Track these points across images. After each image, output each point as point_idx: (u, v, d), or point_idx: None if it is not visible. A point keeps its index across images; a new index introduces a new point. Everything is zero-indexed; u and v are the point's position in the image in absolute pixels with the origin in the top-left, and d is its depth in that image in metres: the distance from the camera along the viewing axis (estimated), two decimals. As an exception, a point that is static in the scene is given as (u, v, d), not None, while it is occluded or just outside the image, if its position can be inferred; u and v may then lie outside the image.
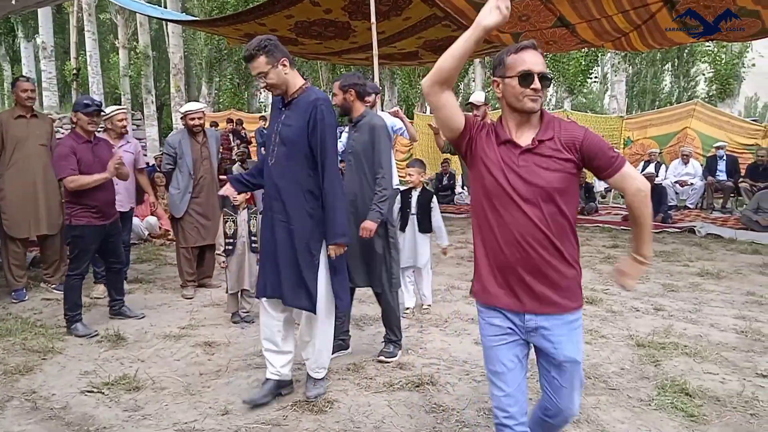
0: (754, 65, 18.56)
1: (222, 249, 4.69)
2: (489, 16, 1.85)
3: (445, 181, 12.89)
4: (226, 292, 4.79)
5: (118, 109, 5.69)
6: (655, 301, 5.26)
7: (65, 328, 4.44)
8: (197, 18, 16.79)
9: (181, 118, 5.65)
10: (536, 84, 1.96)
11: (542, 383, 2.20)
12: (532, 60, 1.98)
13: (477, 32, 1.88)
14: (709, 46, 18.52)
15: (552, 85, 29.08)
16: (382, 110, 5.84)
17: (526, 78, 1.96)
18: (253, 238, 4.69)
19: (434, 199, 4.91)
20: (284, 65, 3.00)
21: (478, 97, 5.86)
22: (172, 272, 6.25)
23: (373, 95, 5.67)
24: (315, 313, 3.14)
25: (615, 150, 2.02)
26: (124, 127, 5.58)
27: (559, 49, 11.48)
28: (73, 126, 4.57)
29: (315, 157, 3.03)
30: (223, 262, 4.71)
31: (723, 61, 18.13)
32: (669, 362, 3.80)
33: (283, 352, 3.30)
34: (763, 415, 3.08)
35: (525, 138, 2.02)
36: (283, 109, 3.12)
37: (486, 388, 3.42)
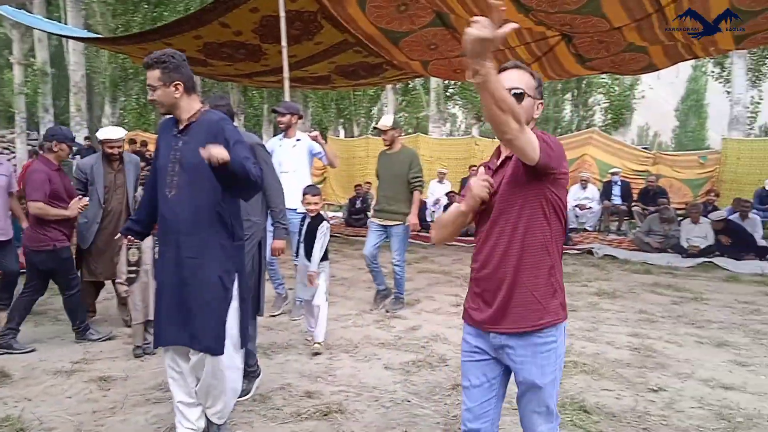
0: (643, 97, 20.00)
1: (124, 278, 4.42)
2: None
3: (358, 204, 12.95)
4: (128, 325, 4.53)
5: None
6: (556, 320, 5.45)
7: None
8: (100, 36, 16.12)
9: (99, 143, 5.27)
10: None
11: None
12: (504, 77, 2.07)
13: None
14: (604, 78, 19.77)
15: (461, 111, 30.07)
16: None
17: None
18: (130, 268, 4.39)
19: (324, 225, 4.51)
20: (177, 88, 2.77)
21: (384, 121, 5.87)
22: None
23: (288, 116, 5.62)
24: (222, 354, 2.83)
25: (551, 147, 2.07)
26: None
27: (467, 78, 11.89)
28: None
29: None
30: (126, 291, 4.45)
31: (616, 93, 19.43)
32: (569, 380, 3.94)
33: (197, 404, 3.01)
34: (654, 429, 3.25)
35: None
36: (178, 134, 2.84)
37: (394, 413, 3.42)
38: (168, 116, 2.92)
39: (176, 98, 2.80)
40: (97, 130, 5.73)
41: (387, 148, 5.92)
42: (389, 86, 20.56)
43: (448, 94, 22.49)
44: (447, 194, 12.46)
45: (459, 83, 21.59)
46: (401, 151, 5.88)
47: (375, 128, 6.18)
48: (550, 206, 2.05)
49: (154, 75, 2.75)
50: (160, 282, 2.93)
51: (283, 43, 7.27)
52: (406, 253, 6.06)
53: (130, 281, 4.41)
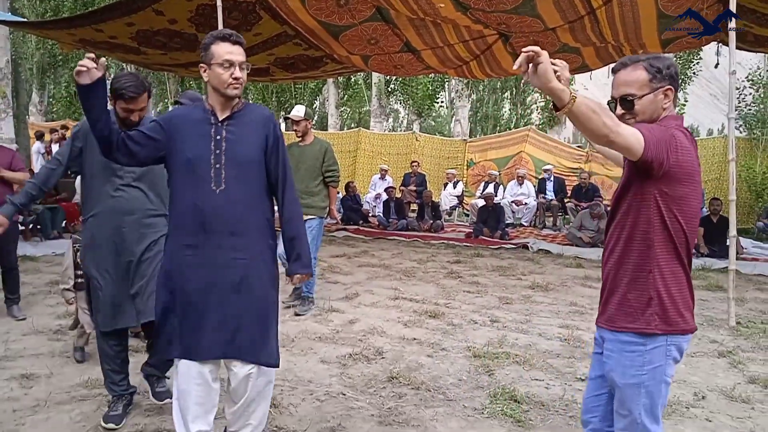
0: (577, 97, 20.66)
1: (71, 283, 3.90)
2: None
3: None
4: (72, 328, 4.19)
5: None
6: (491, 313, 5.59)
7: None
8: (27, 20, 15.34)
9: None
10: (618, 110, 2.06)
11: None
12: (613, 84, 2.09)
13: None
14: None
15: (402, 107, 30.25)
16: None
17: (612, 104, 2.08)
18: (78, 272, 3.83)
19: None
20: (248, 73, 2.54)
21: (296, 111, 5.63)
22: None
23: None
24: (278, 366, 2.62)
25: (649, 131, 1.93)
26: None
27: (407, 73, 11.98)
28: None
29: (271, 179, 2.58)
30: (72, 299, 3.96)
31: (552, 92, 20.00)
32: (501, 371, 4.04)
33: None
34: (579, 416, 3.36)
35: None
36: (219, 123, 2.50)
37: (329, 407, 3.42)
38: (184, 105, 2.70)
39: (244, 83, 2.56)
40: (24, 119, 5.45)
41: (299, 139, 5.72)
42: (330, 80, 20.44)
43: (389, 89, 22.56)
44: (387, 190, 12.52)
45: (400, 79, 21.69)
46: (314, 142, 5.73)
47: (286, 118, 5.89)
48: (655, 207, 1.96)
49: (243, 53, 2.47)
50: (190, 288, 2.46)
51: (221, 33, 7.10)
52: (347, 247, 6.04)
53: (78, 287, 3.88)
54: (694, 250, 8.76)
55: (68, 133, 15.21)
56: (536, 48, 1.75)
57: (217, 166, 2.46)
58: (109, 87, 3.03)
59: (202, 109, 2.53)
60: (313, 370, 4.01)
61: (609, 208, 2.15)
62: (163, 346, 2.56)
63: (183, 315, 2.48)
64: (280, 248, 2.64)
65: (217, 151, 2.46)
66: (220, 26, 6.77)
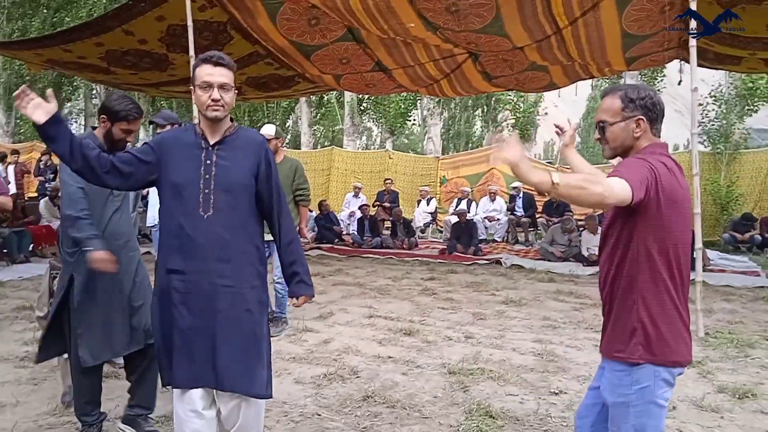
0: (546, 114, 21.04)
1: (46, 310, 3.58)
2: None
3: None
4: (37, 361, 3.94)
5: None
6: (465, 329, 5.61)
7: None
8: (-8, 39, 15.13)
9: None
10: (596, 134, 2.21)
11: None
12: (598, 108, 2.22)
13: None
14: (510, 95, 20.62)
15: (375, 125, 30.39)
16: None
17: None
18: (52, 300, 3.55)
19: None
20: (235, 95, 2.49)
21: (267, 130, 5.59)
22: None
23: (169, 126, 5.39)
24: (270, 397, 2.58)
25: (629, 170, 2.00)
26: None
27: (379, 92, 12.09)
28: None
29: (264, 207, 2.54)
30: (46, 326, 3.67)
31: (521, 110, 20.33)
32: (476, 387, 4.05)
33: None
34: (554, 430, 3.39)
35: None
36: (210, 148, 2.45)
37: (304, 428, 3.39)
38: (171, 127, 2.65)
39: (233, 106, 2.50)
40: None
41: None
42: (303, 99, 20.48)
43: (362, 108, 22.68)
44: (361, 207, 12.53)
45: (372, 97, 21.82)
46: (284, 161, 5.72)
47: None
48: (639, 239, 2.01)
49: (228, 74, 2.42)
50: (177, 315, 2.41)
51: (191, 53, 7.09)
52: (321, 266, 6.02)
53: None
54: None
55: (33, 160, 14.93)
56: (496, 145, 1.98)
57: (206, 191, 2.41)
58: (102, 107, 3.09)
59: (193, 133, 2.49)
60: (287, 391, 3.98)
61: (601, 232, 2.22)
62: (161, 373, 2.54)
63: (172, 342, 2.43)
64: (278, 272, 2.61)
65: (207, 176, 2.42)
66: (191, 46, 6.78)
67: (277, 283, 5.52)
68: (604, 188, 1.89)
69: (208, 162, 2.43)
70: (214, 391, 2.46)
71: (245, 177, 2.46)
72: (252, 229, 2.52)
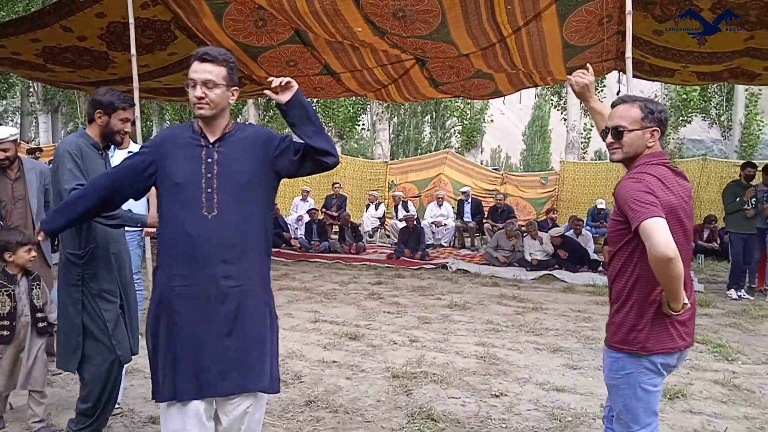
0: (492, 121, 21.44)
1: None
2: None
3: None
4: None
5: None
6: (410, 333, 5.64)
7: None
8: None
9: None
10: (609, 138, 2.36)
11: None
12: (611, 115, 2.38)
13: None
14: (458, 102, 20.94)
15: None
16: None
17: (606, 133, 2.39)
18: (38, 315, 3.37)
19: None
20: (233, 94, 2.41)
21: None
22: None
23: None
24: (278, 391, 2.49)
25: (638, 204, 2.12)
26: None
27: (327, 96, 12.06)
28: None
29: (297, 155, 2.40)
30: None
31: (468, 117, 20.66)
32: (419, 391, 4.07)
33: None
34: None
35: None
36: (209, 146, 2.36)
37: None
38: (172, 124, 2.53)
39: (228, 104, 2.40)
40: None
41: None
42: (250, 100, 20.23)
43: (311, 111, 22.55)
44: (309, 211, 12.45)
45: (321, 101, 21.76)
46: None
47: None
48: (637, 245, 2.19)
49: (219, 71, 2.31)
50: (182, 322, 2.29)
51: (133, 51, 6.89)
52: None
53: (3, 340, 3.29)
54: (600, 268, 9.19)
55: None
56: (581, 71, 2.70)
57: (209, 190, 2.31)
58: (95, 103, 3.15)
59: (191, 130, 2.40)
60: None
61: (607, 235, 2.46)
62: (154, 387, 2.34)
63: (176, 353, 2.28)
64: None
65: (209, 175, 2.32)
66: (132, 44, 6.60)
67: None
68: (666, 248, 2.03)
69: (209, 160, 2.34)
70: (214, 401, 2.34)
71: (251, 171, 2.37)
72: (260, 225, 2.42)
